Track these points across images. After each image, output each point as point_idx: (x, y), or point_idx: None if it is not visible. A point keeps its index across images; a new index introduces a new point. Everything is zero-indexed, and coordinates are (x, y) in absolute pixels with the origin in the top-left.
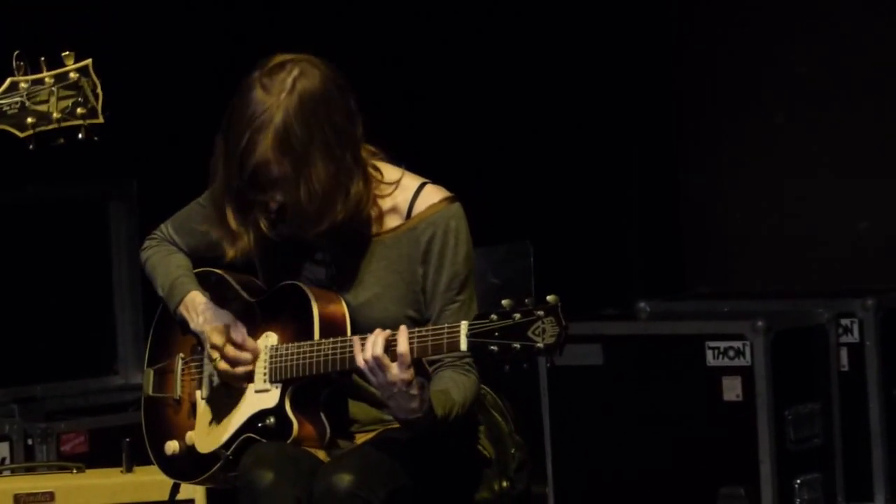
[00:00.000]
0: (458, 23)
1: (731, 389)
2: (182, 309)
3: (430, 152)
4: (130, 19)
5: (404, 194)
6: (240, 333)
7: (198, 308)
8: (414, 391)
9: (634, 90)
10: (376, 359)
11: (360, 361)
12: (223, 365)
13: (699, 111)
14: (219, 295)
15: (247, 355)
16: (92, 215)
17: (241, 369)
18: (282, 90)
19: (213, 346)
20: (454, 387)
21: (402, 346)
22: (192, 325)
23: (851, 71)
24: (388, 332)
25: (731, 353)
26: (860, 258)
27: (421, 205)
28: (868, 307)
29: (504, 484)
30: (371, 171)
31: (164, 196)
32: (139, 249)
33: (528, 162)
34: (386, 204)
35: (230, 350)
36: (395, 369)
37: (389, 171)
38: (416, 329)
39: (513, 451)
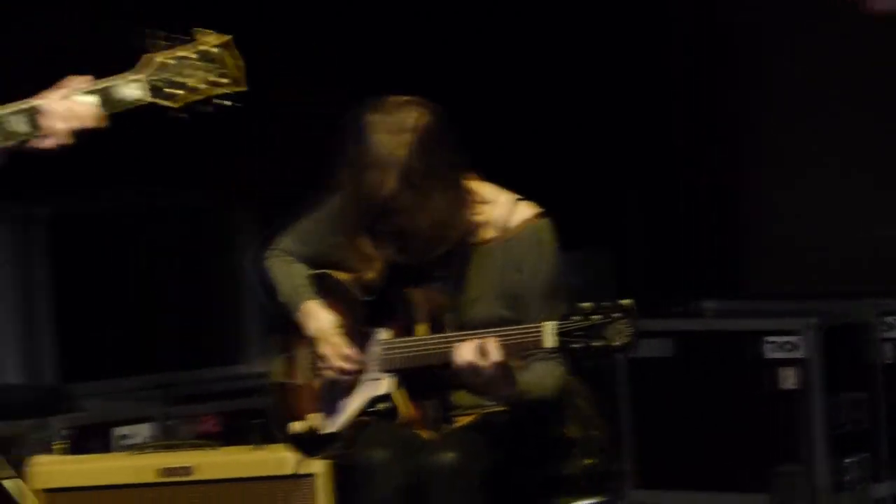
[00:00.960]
0: (547, 37)
1: (787, 379)
2: (302, 314)
3: (518, 167)
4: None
5: (500, 210)
6: (346, 345)
7: (314, 316)
8: (509, 378)
9: (701, 105)
10: (470, 364)
11: (459, 363)
12: (329, 374)
13: (759, 124)
14: (333, 296)
15: (351, 367)
16: (217, 226)
17: (344, 378)
18: (402, 129)
19: (321, 357)
20: (546, 374)
21: (493, 348)
22: (309, 332)
23: None
24: (476, 340)
25: (788, 347)
26: None
27: (516, 219)
28: None
29: (588, 461)
30: (470, 195)
31: (285, 207)
32: (263, 258)
33: (607, 176)
34: (482, 218)
35: (336, 361)
36: (490, 366)
37: (484, 189)
38: (506, 329)
39: (595, 433)
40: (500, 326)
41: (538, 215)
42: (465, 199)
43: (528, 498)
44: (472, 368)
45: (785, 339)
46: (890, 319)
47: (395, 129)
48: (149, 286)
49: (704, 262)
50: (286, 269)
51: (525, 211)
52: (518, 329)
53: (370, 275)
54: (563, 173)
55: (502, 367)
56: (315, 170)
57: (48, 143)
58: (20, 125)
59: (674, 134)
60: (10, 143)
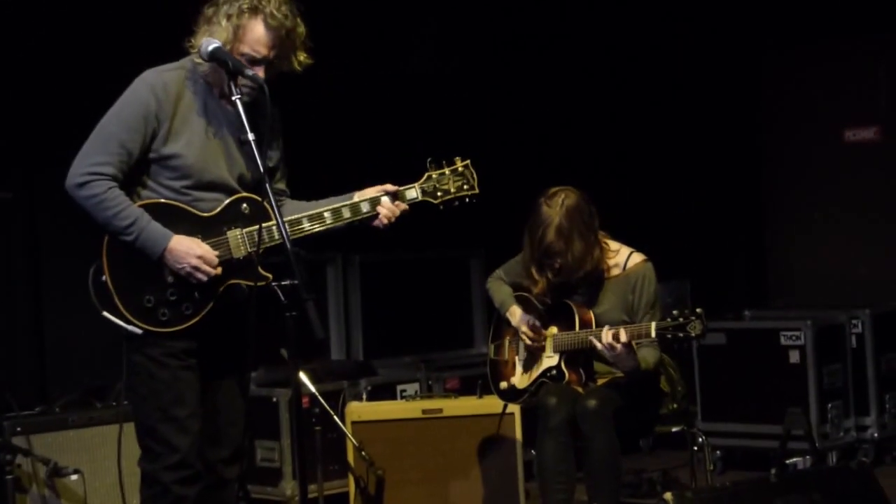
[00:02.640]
0: (637, 87)
1: (794, 357)
2: (508, 315)
3: (636, 230)
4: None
5: (621, 257)
6: (537, 328)
7: (514, 315)
8: (631, 354)
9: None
10: (609, 344)
11: (599, 346)
12: (528, 342)
13: (784, 184)
14: (525, 306)
15: (539, 339)
16: (460, 268)
17: (536, 346)
18: (557, 205)
19: (523, 334)
20: (650, 355)
21: (622, 335)
22: (513, 323)
23: None
24: (614, 329)
25: (794, 338)
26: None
27: (630, 263)
28: (866, 314)
29: (674, 406)
30: (602, 245)
31: (499, 256)
32: (485, 284)
33: (690, 237)
34: (611, 262)
35: (531, 336)
36: (619, 347)
37: (612, 244)
38: (628, 326)
39: (679, 389)
40: (621, 326)
41: (644, 260)
42: (595, 246)
43: (640, 427)
44: (607, 349)
45: (792, 333)
46: (854, 321)
47: (554, 205)
48: (419, 303)
49: (745, 288)
50: (499, 289)
51: (636, 258)
52: (635, 325)
53: (536, 290)
54: (662, 233)
55: (626, 348)
56: (514, 235)
57: (377, 222)
58: (366, 207)
59: (730, 213)
60: (357, 219)
